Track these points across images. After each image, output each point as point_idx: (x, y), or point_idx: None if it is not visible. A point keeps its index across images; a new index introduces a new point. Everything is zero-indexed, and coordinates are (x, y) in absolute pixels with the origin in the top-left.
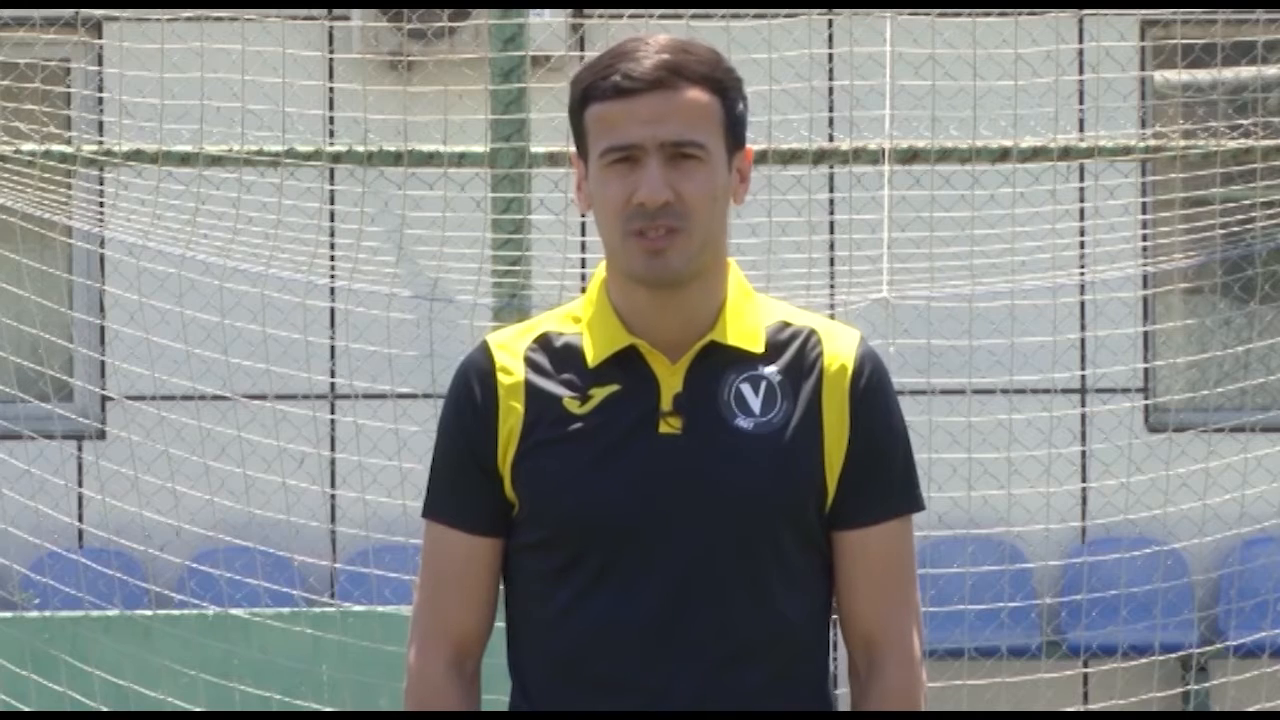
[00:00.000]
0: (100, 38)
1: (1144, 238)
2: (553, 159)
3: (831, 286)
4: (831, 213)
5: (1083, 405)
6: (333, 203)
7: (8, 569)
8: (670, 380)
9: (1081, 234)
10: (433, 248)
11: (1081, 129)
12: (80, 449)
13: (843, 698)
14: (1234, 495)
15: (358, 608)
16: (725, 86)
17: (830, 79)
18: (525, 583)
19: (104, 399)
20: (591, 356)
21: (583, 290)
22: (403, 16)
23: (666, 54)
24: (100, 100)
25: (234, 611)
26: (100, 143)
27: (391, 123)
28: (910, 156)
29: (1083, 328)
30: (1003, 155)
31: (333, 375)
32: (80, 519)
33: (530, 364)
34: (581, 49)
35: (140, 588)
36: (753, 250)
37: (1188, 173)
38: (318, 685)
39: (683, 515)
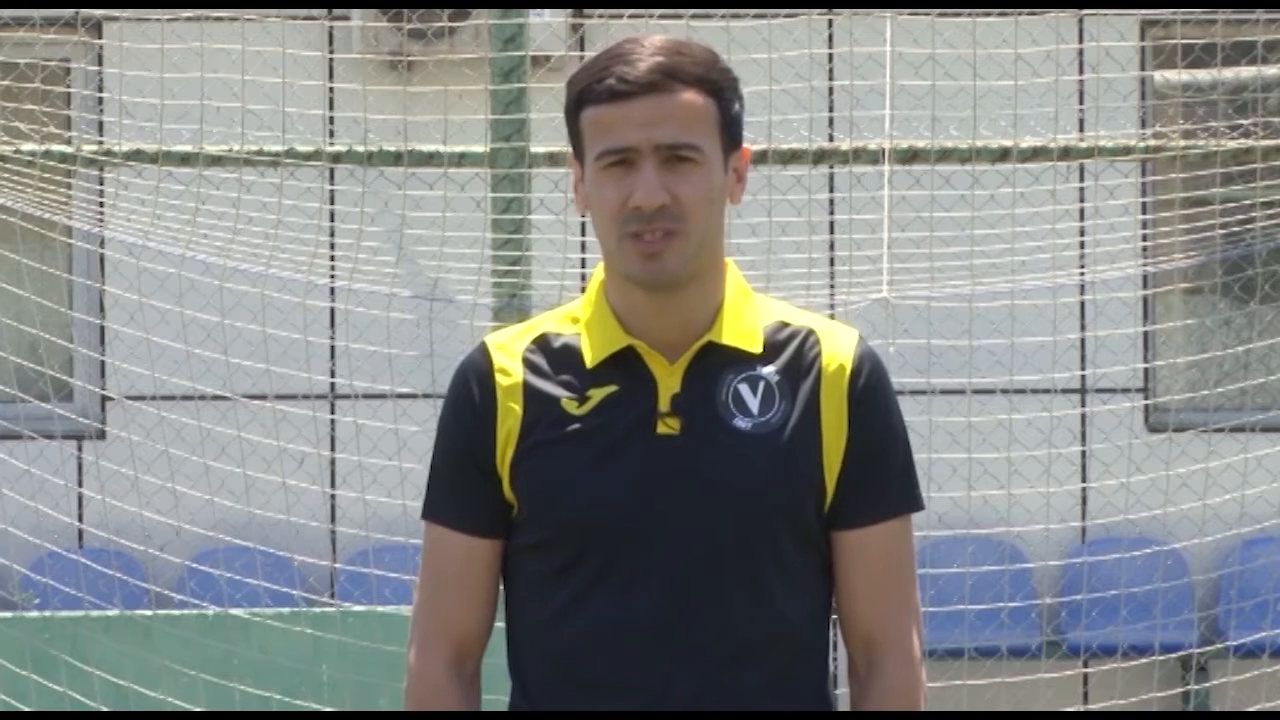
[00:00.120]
0: (100, 38)
1: (1144, 238)
2: (553, 159)
3: (831, 286)
4: (831, 213)
5: (1083, 405)
6: (333, 203)
7: (8, 569)
8: (668, 381)
9: (1081, 234)
10: (433, 248)
11: (1081, 129)
12: (80, 449)
13: (843, 698)
14: (1234, 495)
15: (358, 608)
16: (720, 87)
17: (830, 79)
18: (524, 583)
19: (104, 399)
20: (589, 357)
21: (582, 290)
22: (403, 16)
23: (661, 56)
24: (100, 100)
25: (234, 611)
26: (100, 143)
27: (391, 123)
28: (910, 156)
29: (1083, 328)
30: (1003, 155)
31: (333, 375)
32: (80, 519)
33: (528, 365)
34: (581, 49)
35: (140, 588)
36: (753, 250)
37: (1188, 173)
38: (318, 685)
39: (681, 516)
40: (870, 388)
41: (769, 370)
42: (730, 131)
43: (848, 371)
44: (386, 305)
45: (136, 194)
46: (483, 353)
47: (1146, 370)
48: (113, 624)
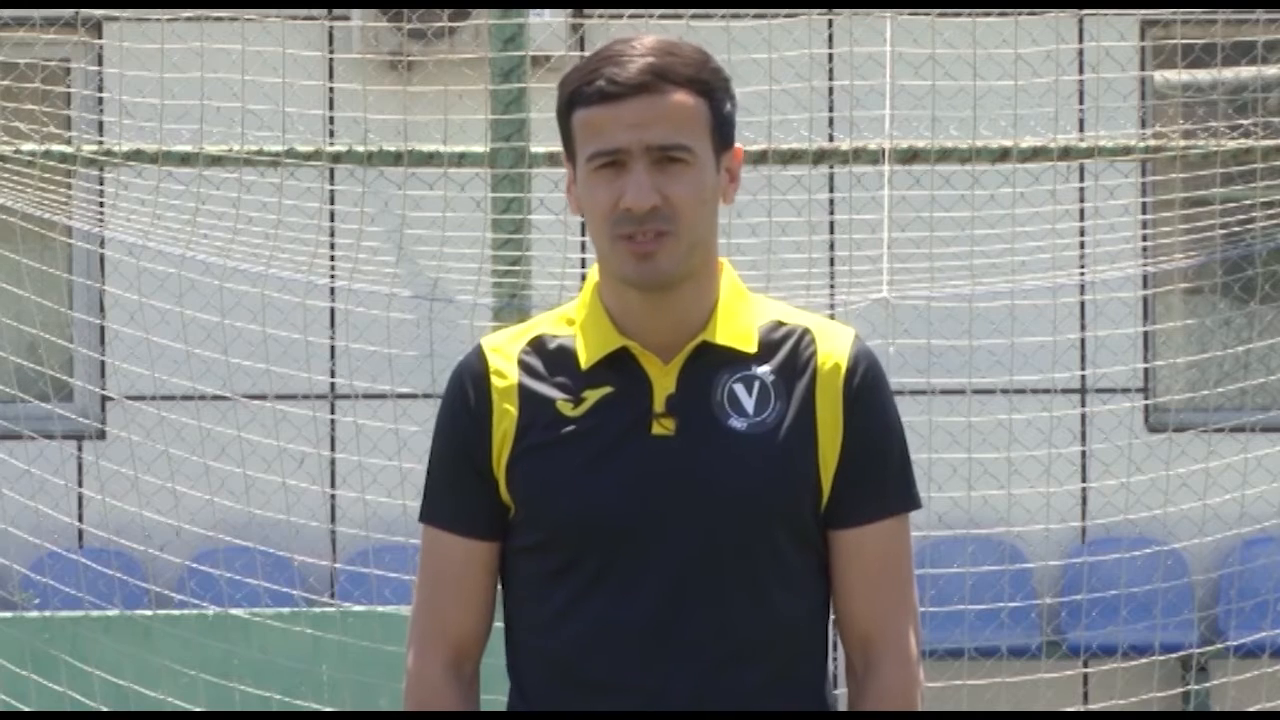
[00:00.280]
0: (100, 38)
1: (1144, 238)
2: (553, 159)
3: (831, 286)
4: (831, 213)
5: (1083, 405)
6: (333, 203)
7: (8, 569)
8: (663, 381)
9: (1081, 234)
10: (433, 248)
11: (1081, 129)
12: (80, 449)
13: (843, 698)
14: (1234, 495)
15: (358, 608)
16: (712, 88)
17: (830, 79)
18: (522, 585)
19: (104, 399)
20: (584, 359)
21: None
22: (403, 16)
23: (651, 57)
24: (100, 100)
25: (234, 611)
26: (100, 143)
27: (391, 123)
28: (910, 156)
29: (1083, 328)
30: (1003, 155)
31: (333, 375)
32: (80, 519)
33: (524, 367)
34: (581, 49)
35: (140, 588)
36: (753, 250)
37: (1188, 173)
38: (318, 685)
39: (677, 516)
40: (866, 386)
41: (764, 370)
42: (722, 131)
43: (843, 370)
44: (386, 305)
45: (136, 194)
46: (478, 355)
47: (1146, 370)
48: (113, 624)
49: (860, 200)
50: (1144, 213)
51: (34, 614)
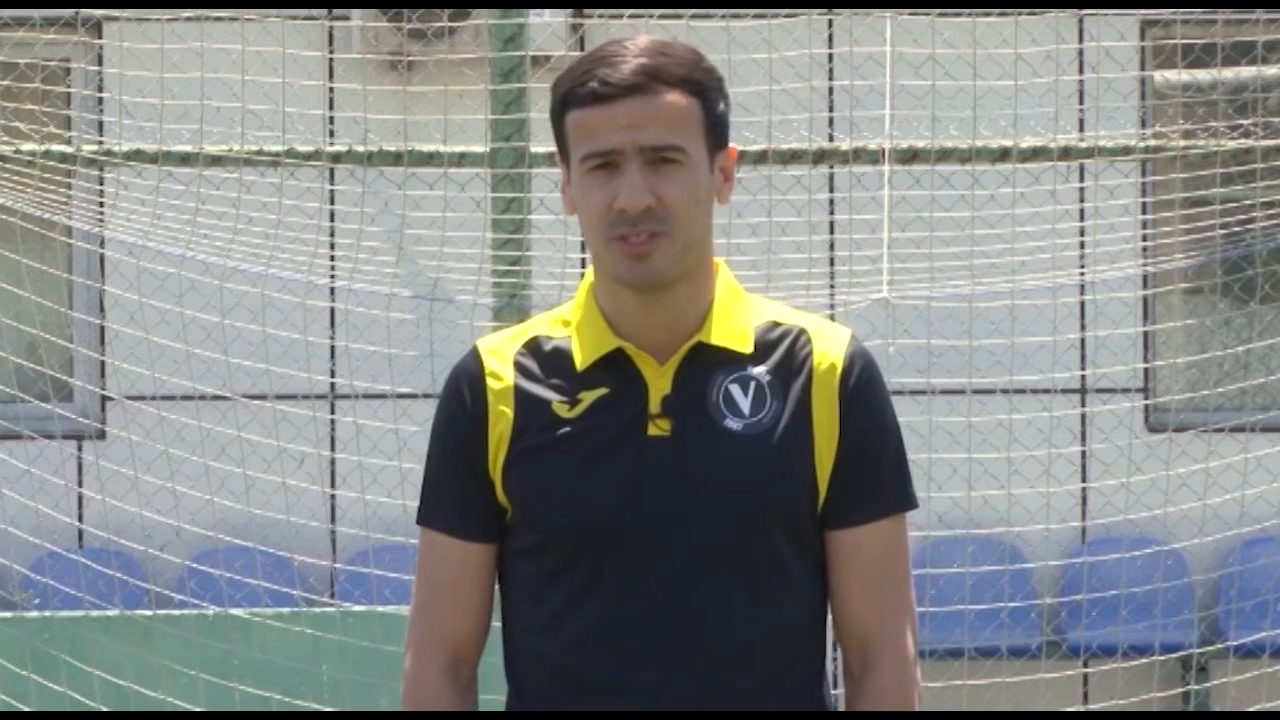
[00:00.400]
0: (100, 38)
1: (1144, 238)
2: (553, 159)
3: (831, 286)
4: (831, 213)
5: (1083, 405)
6: (333, 203)
7: (8, 569)
8: (658, 382)
9: (1081, 234)
10: (433, 248)
11: (1081, 129)
12: (80, 449)
13: (841, 698)
14: (1234, 495)
15: (358, 608)
16: (705, 88)
17: (830, 79)
18: (519, 586)
19: (104, 399)
20: (579, 360)
21: None
22: (403, 16)
23: (644, 58)
24: (100, 100)
25: (234, 611)
26: (100, 143)
27: (391, 123)
28: (910, 156)
29: (1083, 328)
30: (1003, 155)
31: (333, 375)
32: (80, 519)
33: (519, 368)
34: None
35: (140, 588)
36: (753, 250)
37: (1188, 173)
38: (318, 685)
39: (673, 517)
40: (862, 386)
41: (760, 370)
42: (716, 131)
43: (839, 370)
44: (386, 305)
45: (136, 194)
46: (474, 357)
47: (1146, 370)
48: (113, 624)
49: (860, 200)
50: (1144, 213)
51: (34, 614)
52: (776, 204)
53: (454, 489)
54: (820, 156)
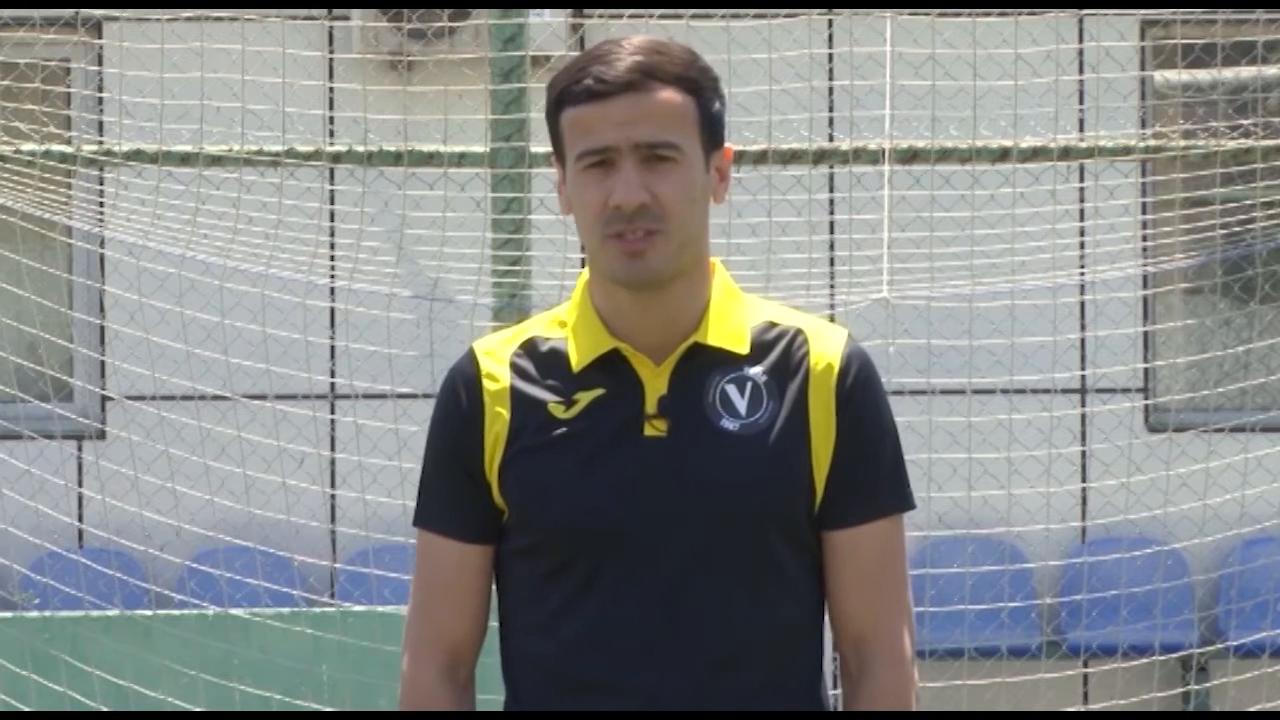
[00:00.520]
0: (100, 38)
1: (1144, 238)
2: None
3: (831, 286)
4: (831, 213)
5: (1083, 405)
6: (333, 203)
7: (8, 569)
8: (655, 383)
9: (1081, 234)
10: (433, 248)
11: (1081, 129)
12: (80, 449)
13: (840, 699)
14: (1234, 495)
15: (358, 608)
16: (700, 86)
17: (830, 79)
18: (515, 587)
19: (104, 399)
20: (576, 361)
21: None
22: (403, 16)
23: (639, 56)
24: (100, 100)
25: (234, 611)
26: (100, 143)
27: (391, 123)
28: (910, 156)
29: (1083, 328)
30: (1003, 155)
31: (333, 375)
32: (80, 519)
33: (516, 369)
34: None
35: (140, 588)
36: (753, 250)
37: (1188, 173)
38: (318, 685)
39: (670, 518)
40: (858, 386)
41: (756, 371)
42: (711, 130)
43: (835, 370)
44: (386, 305)
45: (136, 194)
46: (470, 359)
47: (1146, 370)
48: (113, 624)
49: (860, 200)
50: (1144, 213)
51: (34, 614)
52: (776, 204)
53: (451, 491)
54: (820, 156)
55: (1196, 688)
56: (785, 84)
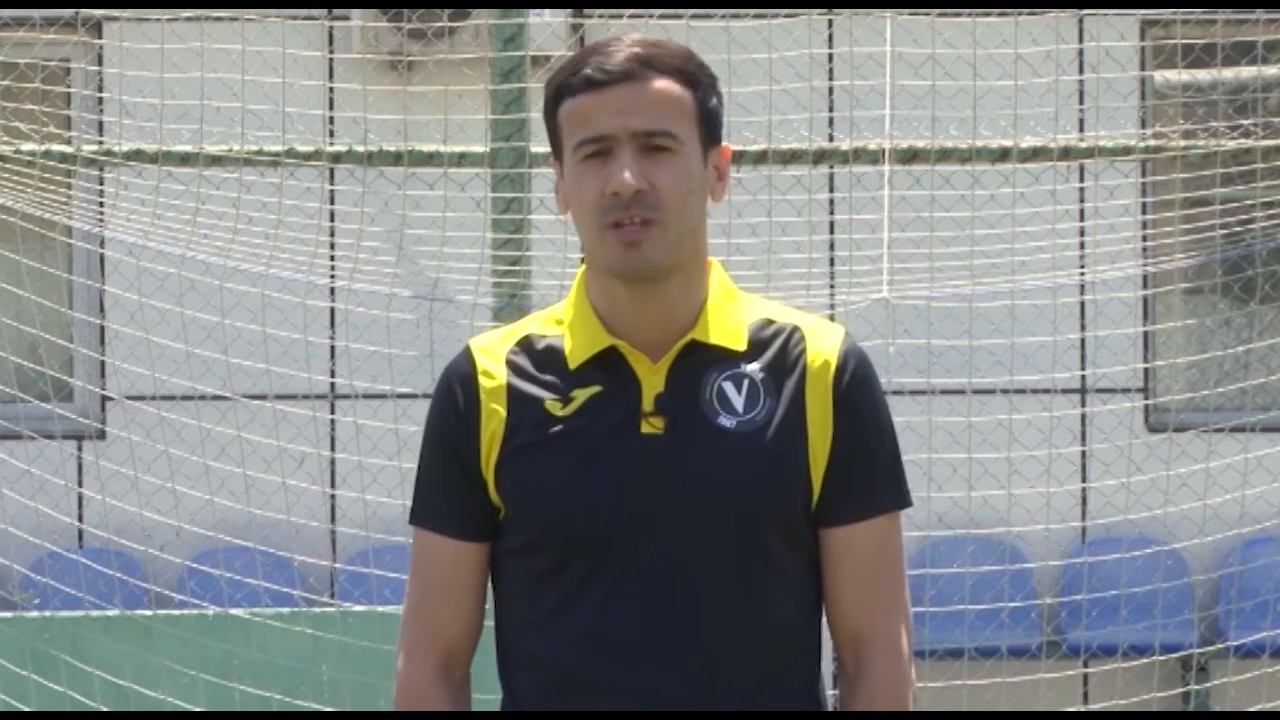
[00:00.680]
0: (100, 38)
1: (1144, 238)
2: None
3: (831, 286)
4: (831, 213)
5: (1083, 405)
6: (333, 203)
7: (8, 569)
8: (652, 380)
9: (1081, 234)
10: (433, 248)
11: (1081, 129)
12: (80, 449)
13: (838, 700)
14: (1234, 495)
15: (358, 608)
16: (697, 80)
17: (830, 79)
18: (512, 586)
19: (104, 399)
20: (572, 358)
21: None
22: (403, 16)
23: (637, 48)
24: (100, 100)
25: (234, 611)
26: (100, 143)
27: (391, 123)
28: (910, 156)
29: (1083, 328)
30: (1003, 155)
31: (333, 375)
32: (80, 519)
33: (512, 367)
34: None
35: (140, 588)
36: (753, 250)
37: (1188, 173)
38: (318, 685)
39: (667, 515)
40: (855, 384)
41: (753, 368)
42: (708, 125)
43: (832, 368)
44: (386, 305)
45: (136, 194)
46: (466, 356)
47: (1146, 370)
48: (113, 624)
49: (860, 200)
50: (1144, 213)
51: (34, 614)
52: (776, 204)
53: (447, 488)
54: (820, 156)
55: (1196, 688)
56: (785, 84)
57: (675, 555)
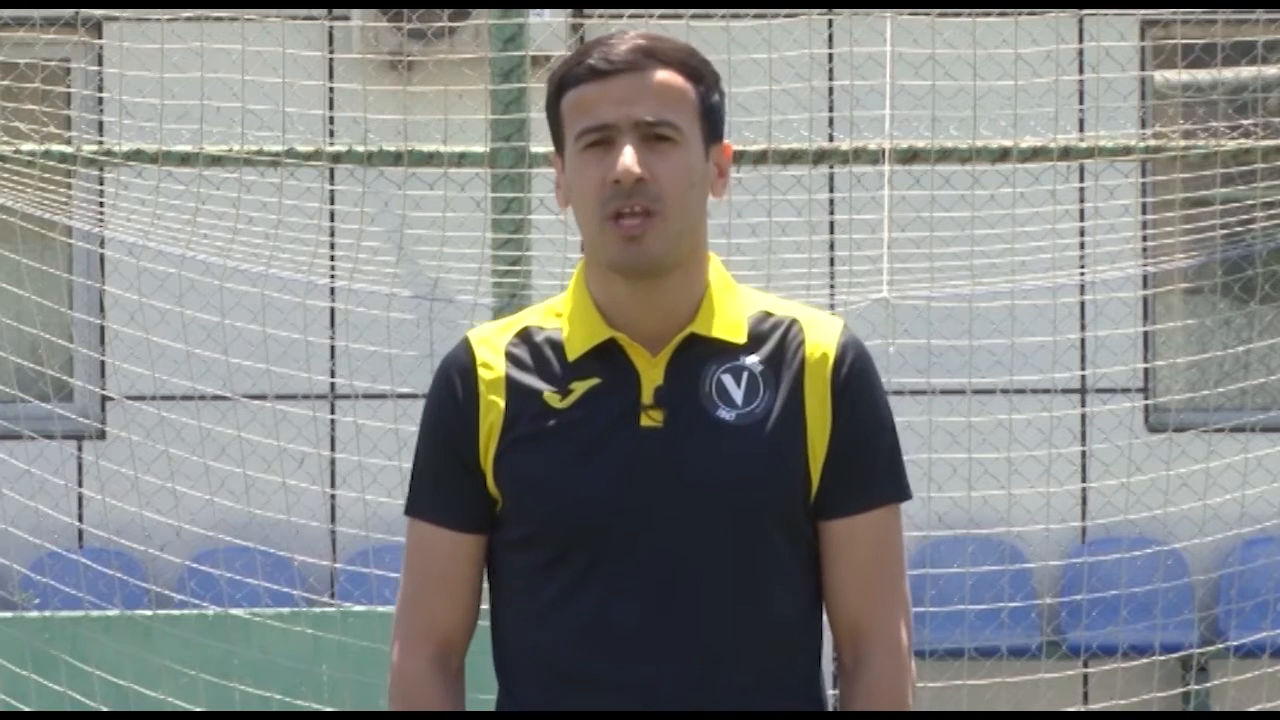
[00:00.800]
0: (100, 38)
1: (1144, 238)
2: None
3: (831, 286)
4: (831, 213)
5: (1083, 405)
6: (333, 203)
7: (8, 569)
8: (651, 373)
9: (1081, 234)
10: (433, 248)
11: (1081, 129)
12: (80, 449)
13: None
14: (1234, 495)
15: (358, 608)
16: (701, 74)
17: (830, 79)
18: (509, 579)
19: (104, 399)
20: (571, 350)
21: None
22: (403, 16)
23: (641, 40)
24: (100, 100)
25: (234, 611)
26: (100, 143)
27: (391, 123)
28: (910, 156)
29: (1083, 328)
30: (1003, 155)
31: (333, 375)
32: (80, 519)
33: (511, 359)
34: None
35: (140, 588)
36: (753, 250)
37: (1188, 173)
38: (318, 685)
39: (666, 509)
40: (854, 376)
41: (752, 360)
42: (710, 120)
43: (831, 360)
44: (386, 305)
45: (136, 194)
46: (465, 347)
47: (1146, 370)
48: (113, 624)
49: (860, 200)
50: (1144, 213)
51: (34, 614)
52: (776, 204)
53: (444, 480)
54: (820, 156)
55: (1196, 688)
56: (785, 84)
57: (674, 549)
